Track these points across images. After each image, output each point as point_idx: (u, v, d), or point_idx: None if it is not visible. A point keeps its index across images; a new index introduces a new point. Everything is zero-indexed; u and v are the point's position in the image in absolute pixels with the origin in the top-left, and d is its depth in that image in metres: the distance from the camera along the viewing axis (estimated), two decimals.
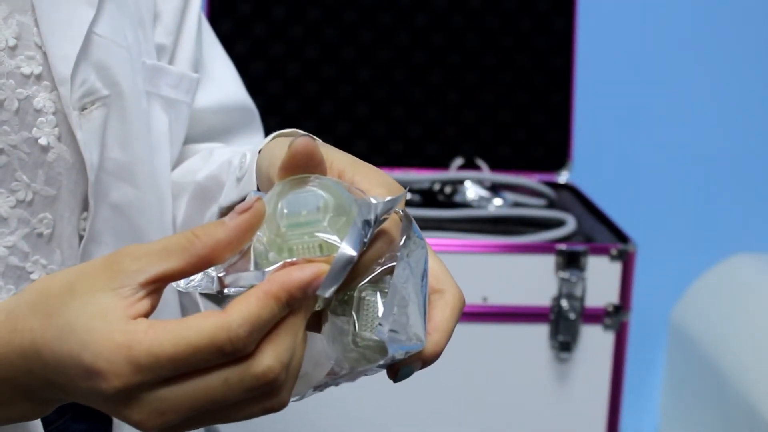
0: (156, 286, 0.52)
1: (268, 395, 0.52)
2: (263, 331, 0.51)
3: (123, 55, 0.71)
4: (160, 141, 0.76)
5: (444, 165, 1.58)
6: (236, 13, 1.55)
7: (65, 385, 0.53)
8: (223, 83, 0.87)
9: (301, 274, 0.51)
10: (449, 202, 1.48)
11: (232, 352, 0.50)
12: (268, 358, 0.51)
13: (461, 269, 1.34)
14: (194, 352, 0.49)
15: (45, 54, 0.67)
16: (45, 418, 0.70)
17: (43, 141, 0.66)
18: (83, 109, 0.68)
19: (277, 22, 1.56)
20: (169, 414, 0.51)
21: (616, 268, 1.36)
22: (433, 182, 1.49)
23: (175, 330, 0.50)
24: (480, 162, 1.58)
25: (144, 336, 0.50)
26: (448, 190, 1.49)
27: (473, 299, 1.35)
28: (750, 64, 1.84)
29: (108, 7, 0.71)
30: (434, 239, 1.35)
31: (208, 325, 0.50)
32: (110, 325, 0.50)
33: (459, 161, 1.58)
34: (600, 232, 1.43)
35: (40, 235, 0.67)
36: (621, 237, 1.39)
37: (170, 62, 0.80)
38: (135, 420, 0.51)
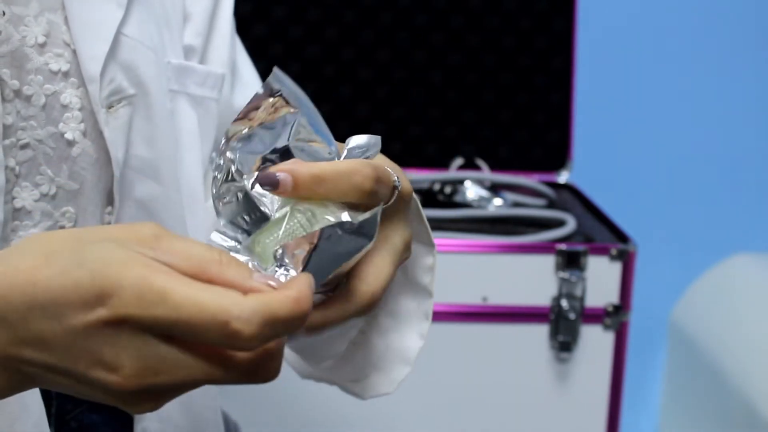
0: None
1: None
2: (268, 336, 0.49)
3: (149, 56, 0.72)
4: (189, 138, 0.78)
5: (444, 165, 1.58)
6: (236, 13, 1.55)
7: (45, 328, 0.49)
8: (253, 86, 0.89)
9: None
10: (449, 202, 1.48)
11: (232, 337, 0.48)
12: (257, 370, 0.50)
13: (461, 269, 1.34)
14: (201, 316, 0.47)
15: (74, 52, 0.68)
16: (62, 408, 0.71)
17: (69, 136, 0.68)
18: (110, 107, 0.69)
19: (277, 22, 1.56)
20: (146, 380, 0.49)
21: (616, 268, 1.36)
22: (433, 182, 1.49)
23: (195, 285, 0.48)
24: (480, 162, 1.58)
25: (166, 276, 0.48)
26: (448, 190, 1.49)
27: (473, 299, 1.35)
28: (750, 64, 1.84)
29: (136, 8, 0.72)
30: (434, 239, 1.35)
31: (224, 297, 0.48)
32: (129, 254, 0.48)
33: (459, 161, 1.58)
34: (600, 232, 1.43)
35: (62, 228, 0.69)
36: (621, 237, 1.39)
37: (201, 62, 0.81)
38: (108, 359, 0.49)
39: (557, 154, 1.62)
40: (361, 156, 0.59)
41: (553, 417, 1.39)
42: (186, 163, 0.76)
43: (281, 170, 0.56)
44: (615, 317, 1.36)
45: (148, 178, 0.72)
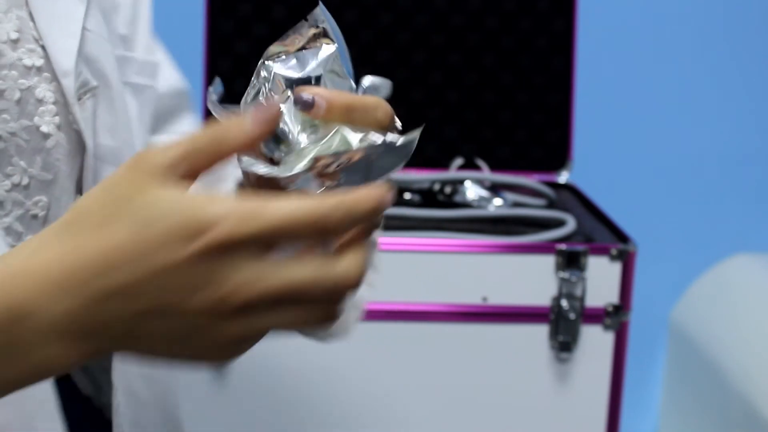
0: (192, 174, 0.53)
1: (332, 306, 0.53)
2: (352, 225, 0.52)
3: (107, 48, 0.74)
4: (137, 126, 0.80)
5: (444, 165, 1.58)
6: (236, 13, 1.55)
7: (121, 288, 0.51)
8: (167, 68, 0.92)
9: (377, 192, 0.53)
10: (449, 202, 1.48)
11: (323, 230, 0.51)
12: (350, 263, 0.52)
13: (461, 269, 1.34)
14: (295, 219, 0.50)
15: (43, 47, 0.69)
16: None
17: (44, 129, 0.69)
18: (78, 99, 0.71)
19: (277, 22, 1.56)
20: (256, 289, 0.50)
21: (616, 268, 1.36)
22: (433, 182, 1.49)
23: (274, 199, 0.51)
24: (480, 162, 1.58)
25: (243, 200, 0.50)
26: (448, 190, 1.49)
27: (473, 299, 1.35)
28: (750, 64, 1.84)
29: (93, 2, 0.74)
30: (434, 239, 1.35)
31: (307, 200, 0.51)
32: (196, 197, 0.51)
33: (459, 161, 1.58)
34: (600, 232, 1.43)
35: (34, 216, 0.70)
36: (621, 237, 1.39)
37: (130, 50, 0.83)
38: (218, 295, 0.50)
39: (557, 154, 1.62)
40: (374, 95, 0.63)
41: (553, 417, 1.39)
42: (138, 150, 0.78)
43: (316, 94, 0.58)
44: (615, 317, 1.36)
45: (113, 165, 0.73)
